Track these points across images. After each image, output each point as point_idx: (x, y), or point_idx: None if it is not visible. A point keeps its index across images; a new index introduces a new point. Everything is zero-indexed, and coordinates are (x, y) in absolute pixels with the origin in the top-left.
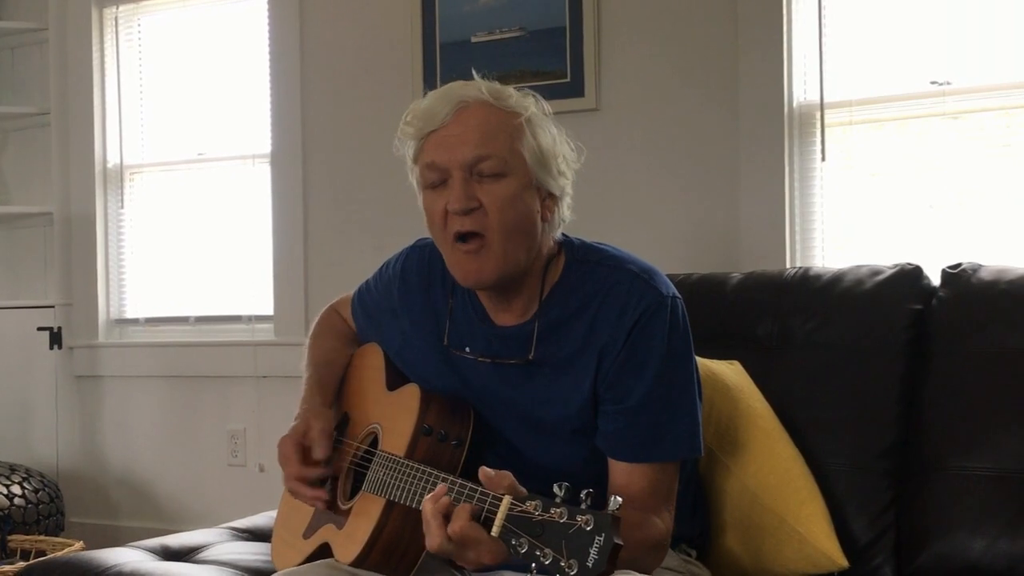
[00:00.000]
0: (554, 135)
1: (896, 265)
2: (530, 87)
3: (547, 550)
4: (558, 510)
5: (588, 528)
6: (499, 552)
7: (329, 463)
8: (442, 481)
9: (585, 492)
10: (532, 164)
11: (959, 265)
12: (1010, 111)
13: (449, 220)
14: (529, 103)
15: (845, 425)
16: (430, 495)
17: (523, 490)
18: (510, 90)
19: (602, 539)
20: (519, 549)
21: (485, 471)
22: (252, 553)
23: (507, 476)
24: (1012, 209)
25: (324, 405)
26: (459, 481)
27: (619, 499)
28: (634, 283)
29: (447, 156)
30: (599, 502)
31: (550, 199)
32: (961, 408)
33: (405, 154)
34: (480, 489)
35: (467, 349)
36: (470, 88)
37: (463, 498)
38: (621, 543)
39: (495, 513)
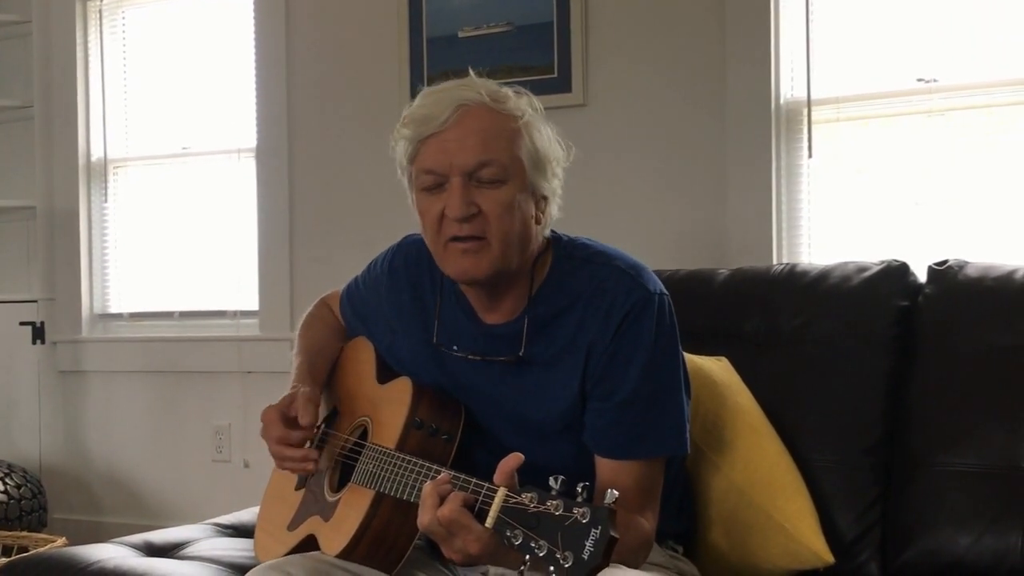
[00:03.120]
0: (548, 136)
1: (883, 262)
2: (517, 82)
3: (542, 542)
4: (554, 502)
5: (584, 521)
6: (486, 543)
7: (313, 428)
8: (434, 472)
9: (581, 485)
10: (529, 169)
11: (945, 262)
12: (996, 109)
13: (445, 225)
14: (524, 104)
15: (831, 421)
16: (434, 480)
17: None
18: (507, 91)
19: (598, 532)
20: (513, 541)
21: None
22: (236, 549)
23: (517, 457)
24: (998, 206)
25: (314, 385)
26: (461, 476)
27: (615, 492)
28: (622, 280)
29: (446, 161)
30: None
31: (543, 201)
32: (947, 404)
33: (398, 154)
34: (475, 481)
35: (455, 347)
36: (468, 89)
37: (457, 487)
38: (617, 536)
39: (490, 504)
